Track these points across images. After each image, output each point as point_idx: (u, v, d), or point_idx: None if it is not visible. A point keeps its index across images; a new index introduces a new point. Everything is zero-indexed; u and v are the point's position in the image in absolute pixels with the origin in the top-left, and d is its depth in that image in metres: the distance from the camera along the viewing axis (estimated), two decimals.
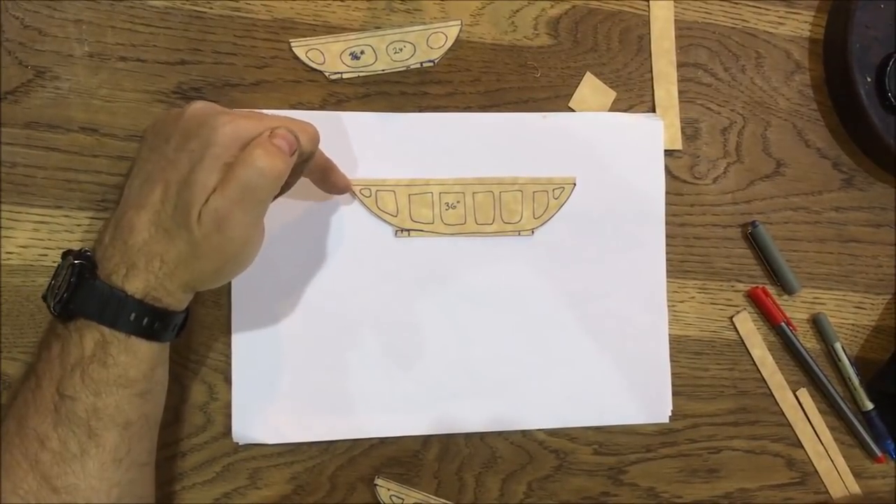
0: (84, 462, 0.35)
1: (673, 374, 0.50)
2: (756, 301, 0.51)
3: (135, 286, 0.35)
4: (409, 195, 0.46)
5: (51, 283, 0.37)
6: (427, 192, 0.47)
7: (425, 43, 0.47)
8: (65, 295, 0.35)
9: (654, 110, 0.50)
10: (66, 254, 0.37)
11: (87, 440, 0.35)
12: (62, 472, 0.35)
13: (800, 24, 0.52)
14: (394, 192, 0.46)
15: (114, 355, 0.35)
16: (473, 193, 0.47)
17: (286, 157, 0.35)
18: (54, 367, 0.36)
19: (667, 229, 0.49)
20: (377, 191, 0.46)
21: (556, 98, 0.49)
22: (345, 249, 0.46)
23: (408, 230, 0.46)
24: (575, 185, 0.48)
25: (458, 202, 0.47)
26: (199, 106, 0.37)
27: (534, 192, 0.48)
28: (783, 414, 0.51)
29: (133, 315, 0.35)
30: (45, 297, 0.37)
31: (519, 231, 0.48)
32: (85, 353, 0.35)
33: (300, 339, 0.45)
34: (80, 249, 0.37)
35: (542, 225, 0.48)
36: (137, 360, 0.36)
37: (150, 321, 0.36)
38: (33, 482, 0.35)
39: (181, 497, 0.44)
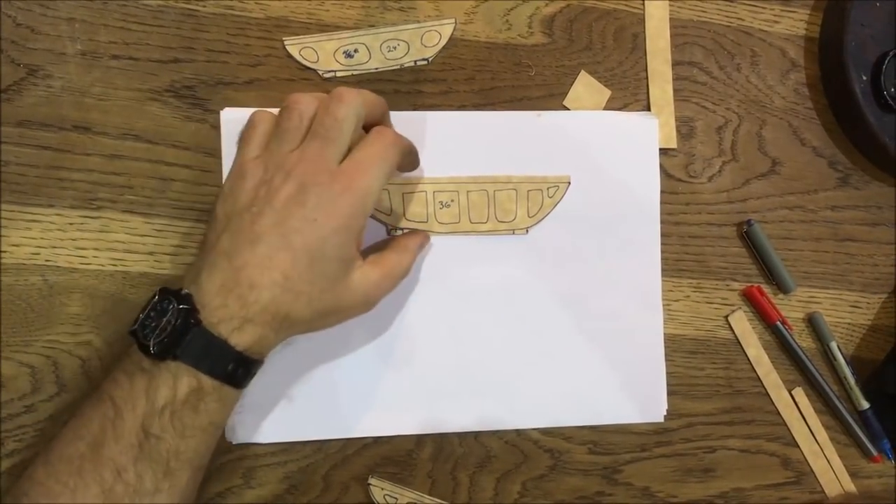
0: (154, 498, 0.35)
1: (668, 373, 0.49)
2: (751, 300, 0.51)
3: (243, 339, 0.35)
4: (403, 193, 0.46)
5: (145, 321, 0.35)
6: (421, 190, 0.46)
7: (419, 41, 0.47)
8: (167, 339, 0.35)
9: (648, 109, 0.50)
10: (164, 291, 0.36)
11: (162, 479, 0.35)
12: None
13: (795, 23, 0.52)
14: (387, 190, 0.46)
15: (206, 402, 0.36)
16: (467, 192, 0.47)
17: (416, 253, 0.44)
18: (139, 402, 0.35)
19: (662, 228, 0.49)
20: None
21: (550, 97, 0.49)
22: None
23: (401, 229, 0.46)
24: (569, 183, 0.48)
25: (452, 201, 0.47)
26: (299, 159, 0.37)
27: (528, 190, 0.48)
28: (779, 413, 0.51)
29: (231, 366, 0.36)
30: (133, 332, 0.36)
31: (513, 230, 0.48)
32: (177, 397, 0.35)
33: (293, 339, 0.45)
34: (179, 289, 0.36)
35: (536, 224, 0.48)
36: (225, 406, 0.37)
37: (244, 371, 0.36)
38: None
39: None
